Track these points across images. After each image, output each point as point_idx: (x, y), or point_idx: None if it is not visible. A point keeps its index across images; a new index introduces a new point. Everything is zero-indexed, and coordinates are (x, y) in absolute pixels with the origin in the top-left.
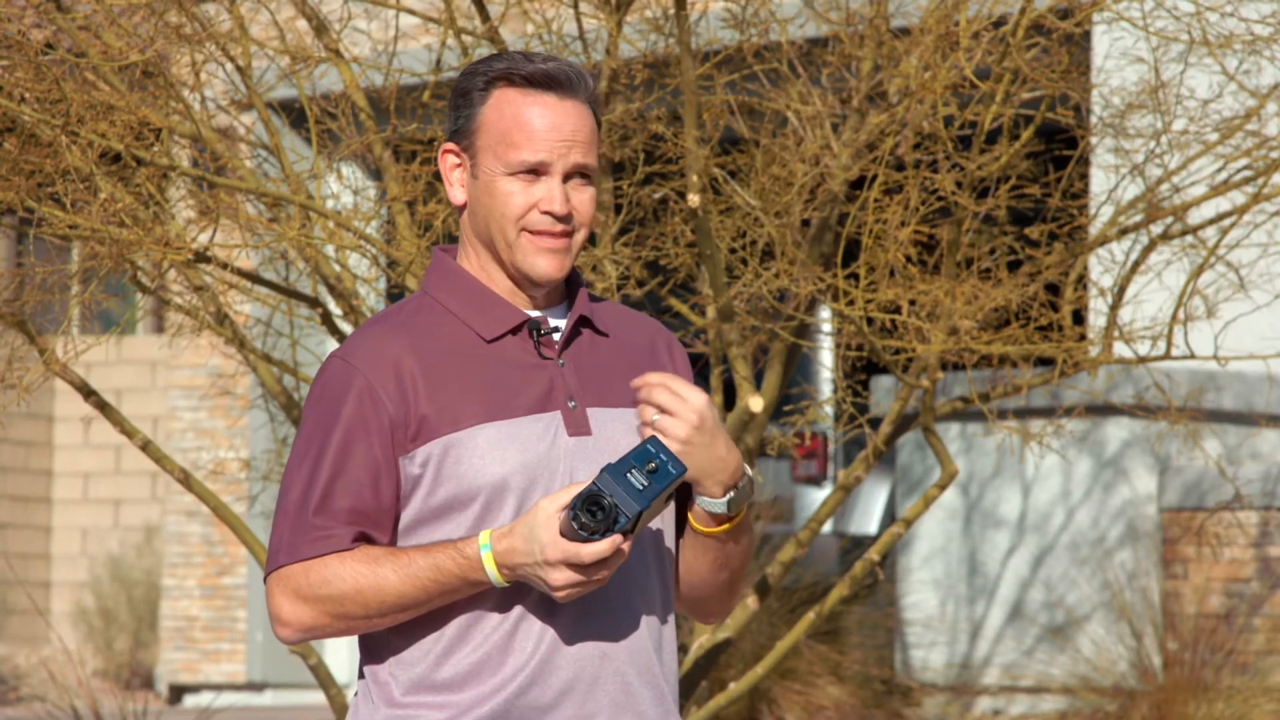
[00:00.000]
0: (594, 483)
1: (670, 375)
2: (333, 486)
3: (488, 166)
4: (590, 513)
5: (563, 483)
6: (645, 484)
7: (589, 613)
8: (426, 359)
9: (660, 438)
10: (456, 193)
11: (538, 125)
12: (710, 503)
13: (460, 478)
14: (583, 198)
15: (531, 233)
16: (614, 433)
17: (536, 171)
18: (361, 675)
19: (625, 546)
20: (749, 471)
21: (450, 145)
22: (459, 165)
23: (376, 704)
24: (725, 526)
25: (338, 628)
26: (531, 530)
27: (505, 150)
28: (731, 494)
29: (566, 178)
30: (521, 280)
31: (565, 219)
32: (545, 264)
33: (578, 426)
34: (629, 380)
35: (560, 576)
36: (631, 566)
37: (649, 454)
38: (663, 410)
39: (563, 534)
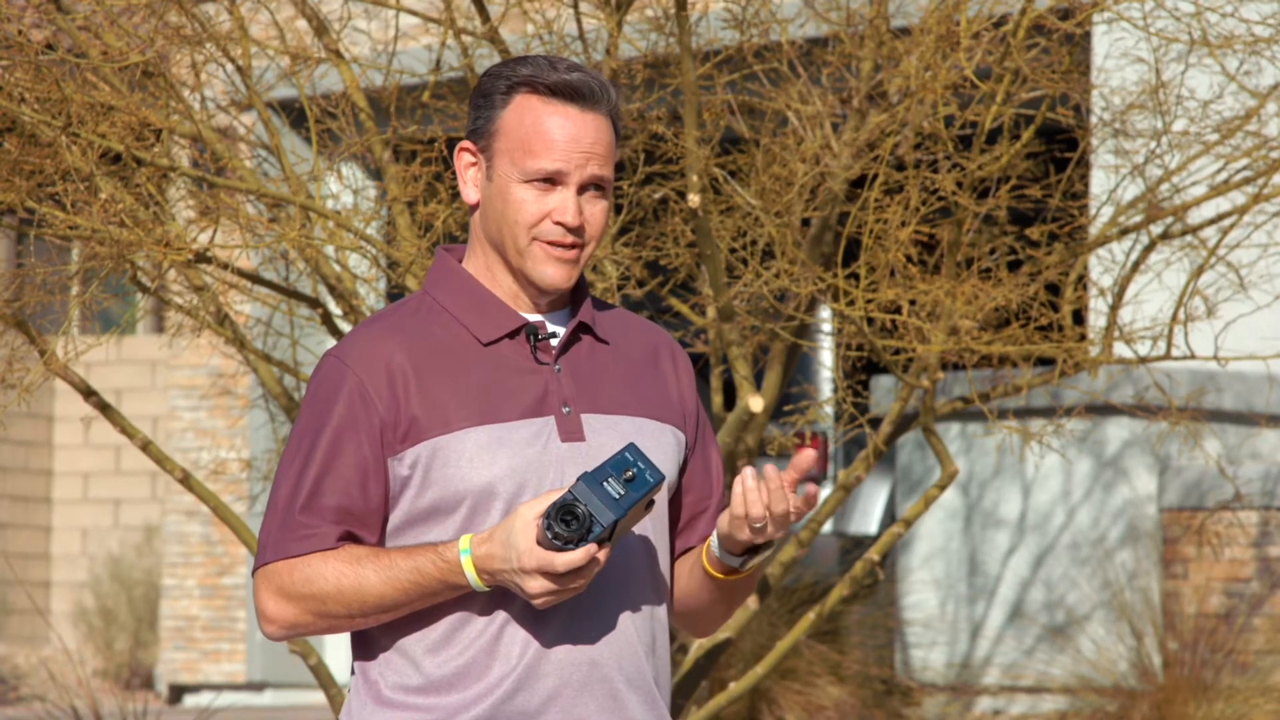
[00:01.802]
0: (569, 491)
1: (801, 502)
2: (320, 485)
3: (504, 171)
4: (564, 522)
5: (553, 488)
6: (621, 493)
7: (577, 617)
8: (420, 359)
9: (640, 447)
10: (470, 191)
11: (557, 135)
12: (727, 556)
13: (447, 481)
14: (595, 210)
15: (543, 242)
16: (609, 439)
17: (552, 181)
18: (353, 670)
19: (601, 555)
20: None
21: (467, 144)
22: (474, 164)
23: (365, 701)
24: (735, 577)
25: (321, 626)
26: (510, 536)
27: (523, 157)
28: (749, 558)
29: (581, 189)
30: (527, 285)
31: (577, 231)
32: (554, 272)
33: (571, 432)
34: (628, 388)
35: (536, 585)
36: (621, 571)
37: (627, 462)
38: (770, 522)
39: (539, 542)
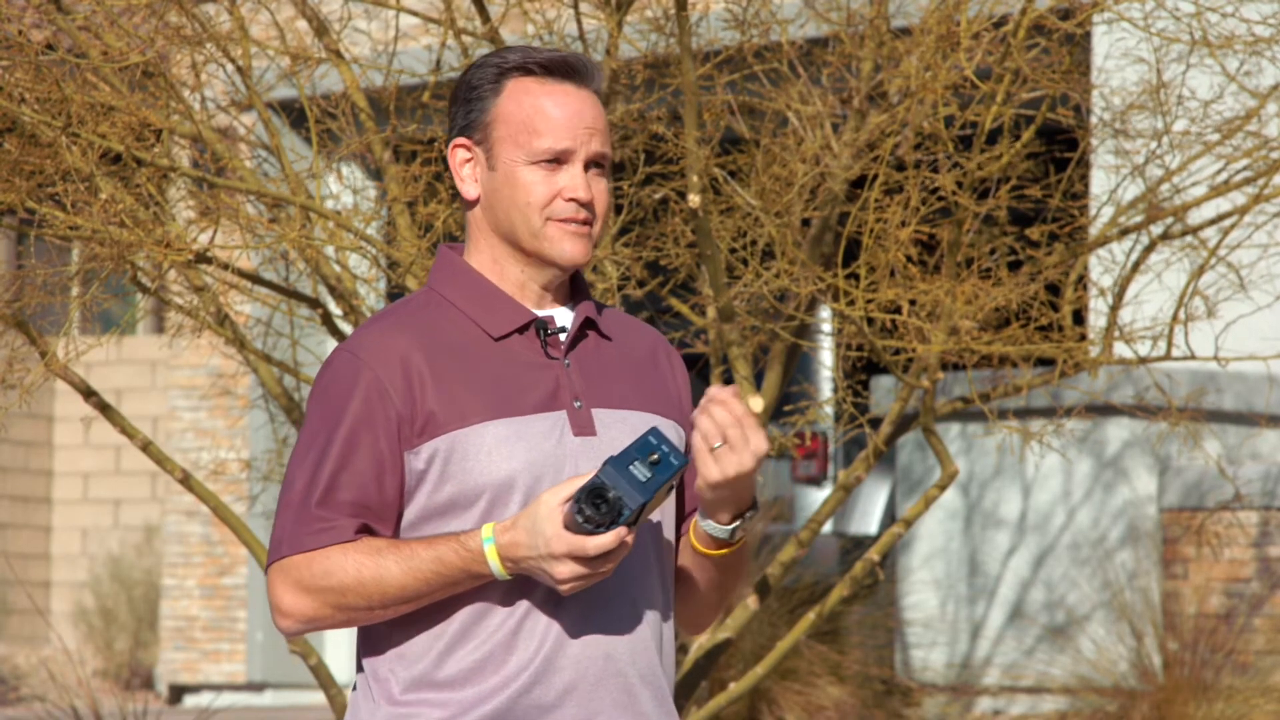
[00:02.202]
0: (597, 475)
1: (743, 409)
2: (337, 479)
3: (508, 156)
4: (595, 505)
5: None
6: (648, 475)
7: (591, 611)
8: (433, 354)
9: (661, 429)
10: (469, 188)
11: (560, 113)
12: (714, 527)
13: (466, 474)
14: (601, 187)
15: (557, 220)
16: (619, 434)
17: (559, 160)
18: (361, 669)
19: (629, 539)
20: (757, 502)
21: (461, 140)
22: (470, 160)
23: (377, 701)
24: (724, 551)
25: (339, 619)
26: (535, 523)
27: (528, 139)
28: (737, 524)
29: (586, 166)
30: (536, 275)
31: (588, 206)
32: (571, 248)
33: (583, 427)
34: (633, 384)
35: (565, 569)
36: (632, 564)
37: (651, 445)
38: (726, 440)
39: (566, 526)
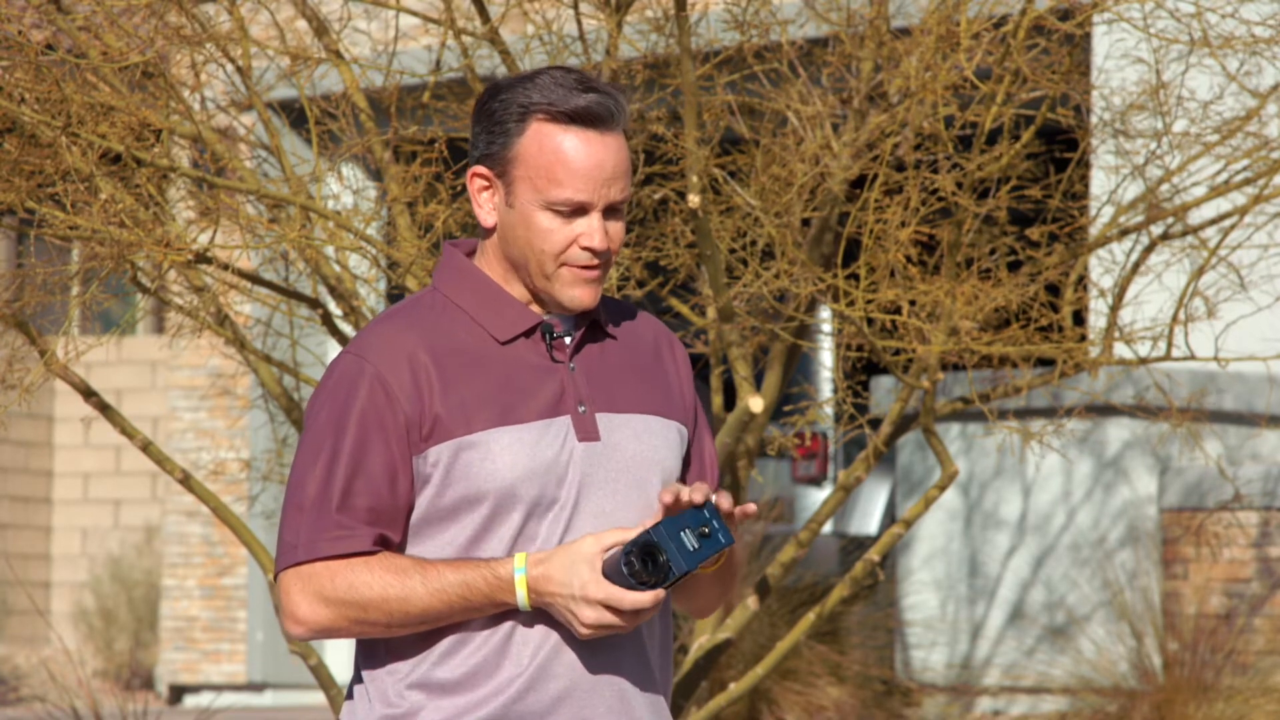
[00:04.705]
0: (650, 534)
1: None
2: (352, 485)
3: (526, 198)
4: (644, 562)
5: (570, 488)
6: (696, 546)
7: None
8: (440, 357)
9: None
10: (486, 216)
11: (582, 164)
12: None
13: (471, 480)
14: (617, 228)
15: (571, 266)
16: (622, 438)
17: (578, 209)
18: (359, 677)
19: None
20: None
21: (480, 169)
22: (489, 189)
23: (373, 704)
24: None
25: (352, 631)
26: (572, 563)
27: (547, 186)
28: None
29: (604, 212)
30: (548, 301)
31: (603, 254)
32: (581, 294)
33: (587, 432)
34: (636, 385)
35: (593, 615)
36: None
37: (704, 519)
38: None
39: (606, 574)
